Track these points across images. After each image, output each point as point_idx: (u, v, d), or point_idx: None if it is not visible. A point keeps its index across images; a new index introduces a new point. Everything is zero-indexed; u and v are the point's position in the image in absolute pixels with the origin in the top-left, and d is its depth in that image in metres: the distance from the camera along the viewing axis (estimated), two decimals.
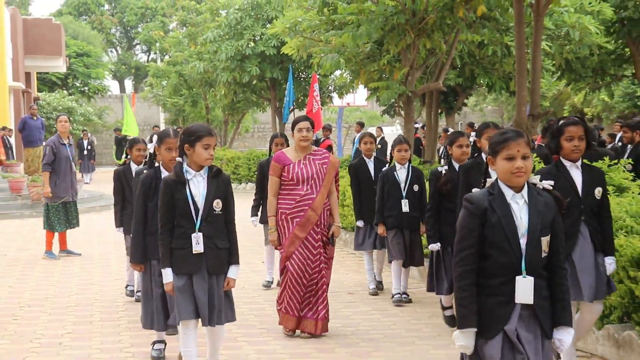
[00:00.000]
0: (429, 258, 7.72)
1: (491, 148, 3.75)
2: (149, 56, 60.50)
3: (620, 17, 17.74)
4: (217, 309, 5.19)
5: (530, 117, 11.24)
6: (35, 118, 22.06)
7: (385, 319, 7.82)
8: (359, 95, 29.30)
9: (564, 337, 3.66)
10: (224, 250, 5.30)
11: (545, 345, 3.67)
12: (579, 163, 5.34)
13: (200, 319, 5.20)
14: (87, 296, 9.01)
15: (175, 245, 5.19)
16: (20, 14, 32.07)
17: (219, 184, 5.29)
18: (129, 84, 58.67)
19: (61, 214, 11.55)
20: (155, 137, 6.25)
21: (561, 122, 5.44)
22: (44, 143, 14.60)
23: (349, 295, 8.98)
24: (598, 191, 5.34)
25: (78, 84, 44.19)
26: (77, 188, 12.37)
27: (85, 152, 30.28)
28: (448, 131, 20.02)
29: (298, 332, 7.01)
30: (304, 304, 6.97)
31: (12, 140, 24.96)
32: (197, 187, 5.22)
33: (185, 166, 5.21)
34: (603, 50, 18.42)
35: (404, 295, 8.40)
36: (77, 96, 41.15)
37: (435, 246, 7.18)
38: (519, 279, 3.57)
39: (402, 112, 18.32)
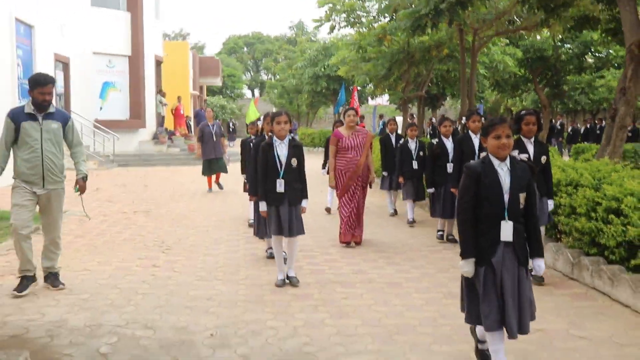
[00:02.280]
0: (429, 197, 11.34)
1: (483, 130, 4.90)
2: (267, 76, 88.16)
3: (526, 57, 27.49)
4: (295, 225, 7.55)
5: (468, 111, 16.09)
6: (204, 110, 27.54)
7: (401, 234, 11.37)
8: (384, 99, 46.66)
9: (540, 264, 4.88)
10: (299, 189, 7.66)
11: (521, 270, 4.75)
12: (532, 139, 7.60)
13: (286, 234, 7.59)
14: (222, 222, 12.59)
15: (267, 187, 7.54)
16: (197, 54, 51.90)
17: (295, 149, 7.61)
18: (256, 92, 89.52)
19: (206, 166, 16.91)
20: (261, 118, 9.38)
21: (522, 112, 7.69)
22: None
23: (378, 218, 13.18)
24: (543, 159, 7.63)
25: (228, 92, 69.79)
26: (221, 151, 16.87)
27: (231, 130, 50.27)
28: (432, 120, 32.94)
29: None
30: (350, 227, 10.07)
31: (191, 122, 39.02)
32: (281, 150, 7.54)
33: (274, 137, 7.59)
34: (517, 75, 28.86)
35: (411, 220, 12.24)
36: (227, 98, 66.09)
37: (431, 190, 10.64)
38: (503, 223, 4.68)
39: (401, 109, 28.04)
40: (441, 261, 9.16)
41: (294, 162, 7.57)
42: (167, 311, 6.71)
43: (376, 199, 15.29)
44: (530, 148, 7.58)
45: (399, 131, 15.19)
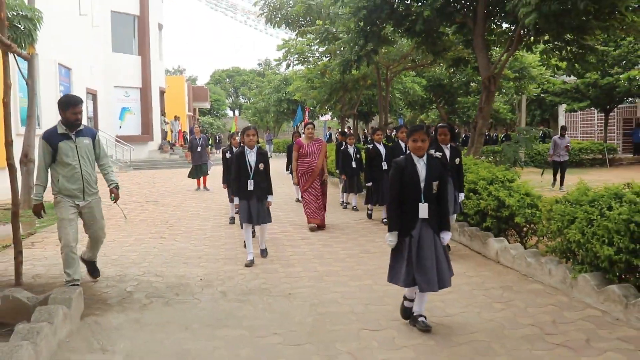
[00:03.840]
0: (365, 189, 11.05)
1: (407, 134, 4.94)
2: (244, 100, 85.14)
3: (429, 84, 26.72)
4: (261, 216, 7.32)
5: (384, 125, 18.71)
6: (193, 127, 27.41)
7: (349, 218, 11.08)
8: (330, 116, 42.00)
9: (446, 235, 4.85)
10: (265, 187, 7.36)
11: (437, 239, 4.78)
12: (448, 146, 7.36)
13: (255, 223, 7.32)
14: (209, 207, 12.90)
15: (239, 186, 7.31)
16: (191, 85, 51.82)
17: (262, 156, 7.38)
18: (236, 112, 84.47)
19: (193, 170, 16.35)
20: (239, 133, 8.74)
21: (438, 125, 7.68)
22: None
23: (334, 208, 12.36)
24: (457, 161, 7.42)
25: (215, 112, 69.40)
26: (206, 158, 16.25)
27: (217, 141, 45.66)
28: (365, 131, 34.42)
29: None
30: (314, 213, 9.72)
31: (187, 136, 33.91)
32: (251, 157, 7.30)
33: (246, 147, 7.38)
34: (423, 98, 28.06)
35: (354, 207, 12.00)
36: (214, 117, 65.06)
37: (369, 184, 10.43)
38: (420, 204, 4.73)
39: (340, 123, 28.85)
40: (363, 230, 9.63)
41: (261, 166, 7.32)
42: (171, 266, 7.16)
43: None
44: (447, 152, 7.36)
45: (333, 139, 15.11)
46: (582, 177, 6.79)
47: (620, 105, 30.80)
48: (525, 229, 7.52)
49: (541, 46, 10.87)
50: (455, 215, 7.63)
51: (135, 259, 7.55)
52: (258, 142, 7.54)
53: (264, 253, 7.58)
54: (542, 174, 16.59)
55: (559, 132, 16.19)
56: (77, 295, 4.93)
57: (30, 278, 6.39)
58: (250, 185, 7.24)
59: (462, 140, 30.34)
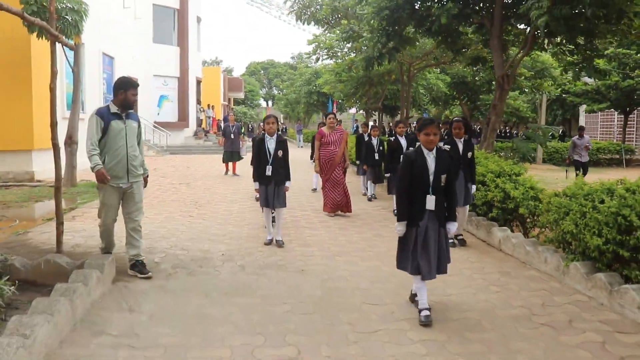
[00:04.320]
0: (385, 179, 10.76)
1: (417, 127, 4.95)
2: (277, 92, 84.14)
3: (453, 81, 26.40)
4: (279, 200, 7.35)
5: (406, 118, 18.83)
6: (228, 115, 27.29)
7: (370, 207, 11.00)
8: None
9: (451, 226, 4.87)
10: (283, 174, 7.37)
11: (441, 230, 4.81)
12: (462, 139, 7.34)
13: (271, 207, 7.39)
14: (237, 191, 13.06)
15: (259, 171, 7.33)
16: (227, 75, 53.92)
17: (281, 143, 7.36)
18: (269, 103, 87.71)
19: (226, 155, 16.44)
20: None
21: (453, 119, 7.62)
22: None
23: (355, 197, 11.98)
24: (469, 154, 7.40)
25: (249, 102, 70.47)
26: (238, 146, 16.27)
27: (250, 129, 45.01)
28: (390, 123, 33.56)
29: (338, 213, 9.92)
30: (337, 203, 9.75)
31: (222, 124, 32.20)
32: (271, 144, 7.32)
33: (265, 133, 7.38)
34: (447, 94, 27.90)
35: (373, 195, 11.90)
36: (248, 107, 66.52)
37: (388, 175, 10.23)
38: (428, 196, 4.73)
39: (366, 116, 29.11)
40: (379, 217, 9.81)
41: (280, 153, 7.32)
42: (197, 241, 7.49)
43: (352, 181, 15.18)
44: (460, 146, 7.34)
45: (360, 130, 15.16)
46: (600, 177, 6.91)
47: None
48: (528, 219, 7.67)
49: (553, 48, 10.93)
50: (467, 206, 7.65)
51: (165, 234, 7.91)
52: (279, 130, 7.49)
53: (280, 243, 7.37)
54: (566, 176, 16.11)
55: (578, 133, 15.62)
56: (109, 262, 5.30)
57: (70, 247, 6.78)
58: (269, 171, 7.25)
59: (478, 133, 30.36)
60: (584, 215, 5.69)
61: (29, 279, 4.99)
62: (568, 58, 10.99)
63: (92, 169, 5.50)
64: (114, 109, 5.67)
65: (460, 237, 7.68)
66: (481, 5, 11.03)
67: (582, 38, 9.57)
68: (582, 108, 33.34)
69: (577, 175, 15.23)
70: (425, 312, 4.66)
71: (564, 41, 10.19)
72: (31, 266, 5.08)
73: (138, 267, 5.81)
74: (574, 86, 28.81)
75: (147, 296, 5.12)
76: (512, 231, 7.60)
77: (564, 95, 30.91)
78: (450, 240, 7.05)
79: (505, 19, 10.85)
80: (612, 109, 29.92)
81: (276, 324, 4.53)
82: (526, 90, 24.02)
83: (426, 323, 4.59)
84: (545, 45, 10.75)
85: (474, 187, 7.57)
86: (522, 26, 10.88)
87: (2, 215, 8.80)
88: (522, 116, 32.82)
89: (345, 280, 5.83)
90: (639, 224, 4.99)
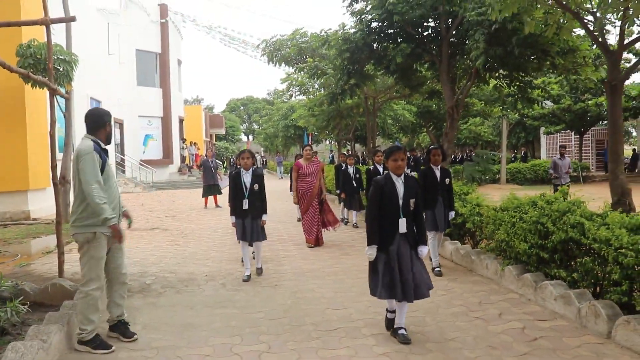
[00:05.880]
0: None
1: (385, 154, 4.87)
2: (256, 126, 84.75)
3: (419, 111, 27.06)
4: (256, 234, 7.17)
5: (372, 148, 18.41)
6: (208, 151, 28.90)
7: (348, 235, 11.16)
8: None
9: (423, 249, 4.73)
10: (259, 207, 7.21)
11: (412, 253, 4.70)
12: (439, 167, 7.26)
13: (249, 240, 7.19)
14: (219, 222, 13.37)
15: (237, 205, 7.16)
16: (208, 113, 52.81)
17: (257, 177, 7.24)
18: (250, 137, 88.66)
19: (205, 189, 16.84)
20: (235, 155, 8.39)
21: (430, 146, 7.41)
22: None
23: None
24: (447, 181, 7.31)
25: (230, 137, 70.53)
26: (218, 179, 16.87)
27: (232, 163, 44.75)
28: (363, 152, 36.04)
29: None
30: (312, 231, 9.61)
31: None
32: (247, 177, 7.20)
33: (241, 168, 7.26)
34: (414, 123, 29.06)
35: (355, 224, 11.92)
36: (229, 142, 67.19)
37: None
38: (400, 220, 4.66)
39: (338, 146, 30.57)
40: (349, 239, 10.54)
41: (256, 186, 7.17)
42: (183, 265, 8.11)
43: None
44: (437, 173, 7.25)
45: (335, 160, 15.57)
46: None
47: (593, 128, 31.69)
48: (477, 233, 8.41)
49: (493, 81, 11.89)
50: (445, 230, 7.56)
51: (154, 261, 8.52)
52: (254, 165, 7.41)
53: (259, 271, 7.38)
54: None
55: (559, 153, 13.74)
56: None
57: (70, 275, 7.35)
58: (245, 205, 7.12)
59: (452, 160, 31.39)
60: (514, 225, 6.46)
61: (38, 301, 5.57)
62: (505, 90, 11.95)
63: (105, 220, 4.47)
64: (97, 144, 4.64)
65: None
66: (432, 45, 11.95)
67: (515, 73, 10.52)
68: (542, 130, 34.65)
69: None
70: (402, 331, 4.74)
71: (501, 75, 11.14)
72: (39, 290, 5.68)
73: (121, 328, 4.87)
74: (531, 111, 30.09)
75: (141, 311, 5.74)
76: (464, 244, 8.33)
77: (524, 119, 32.16)
78: (437, 269, 7.28)
79: (452, 56, 11.79)
80: (568, 130, 31.23)
81: (251, 327, 5.18)
82: (484, 118, 25.08)
83: (405, 341, 4.63)
84: (487, 79, 11.65)
85: (452, 213, 7.46)
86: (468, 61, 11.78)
87: (6, 251, 9.33)
88: (486, 140, 33.99)
89: (312, 292, 6.50)
90: (554, 229, 5.76)
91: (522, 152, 35.60)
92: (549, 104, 27.77)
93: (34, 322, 4.99)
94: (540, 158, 36.28)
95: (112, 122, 4.84)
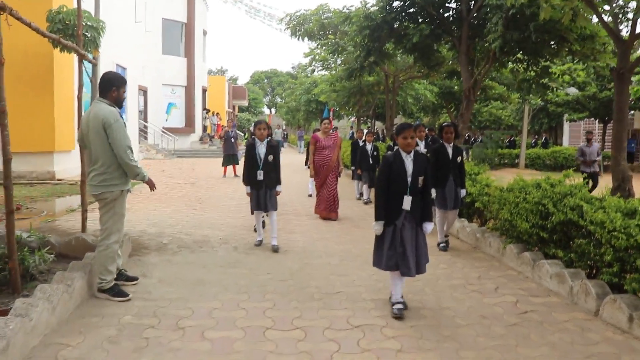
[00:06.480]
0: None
1: (396, 131, 4.87)
2: (279, 99, 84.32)
3: (441, 91, 27.28)
4: (270, 203, 7.15)
5: (390, 126, 18.99)
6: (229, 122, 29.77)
7: (362, 209, 11.31)
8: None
9: (427, 226, 4.81)
10: (274, 177, 7.17)
11: (418, 230, 4.79)
12: (451, 144, 7.29)
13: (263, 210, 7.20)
14: (236, 190, 13.43)
15: (250, 176, 7.14)
16: (231, 84, 55.34)
17: (271, 148, 7.18)
18: (272, 110, 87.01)
19: (226, 158, 17.34)
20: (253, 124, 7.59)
21: (443, 124, 7.43)
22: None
23: (349, 200, 12.45)
24: (459, 159, 7.39)
25: (252, 110, 71.34)
26: (237, 149, 17.38)
27: (247, 135, 41.79)
28: (383, 130, 32.05)
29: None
30: (328, 206, 9.67)
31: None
32: (261, 149, 7.14)
33: (256, 139, 7.18)
34: (435, 103, 28.82)
35: (368, 199, 11.85)
36: (252, 114, 68.03)
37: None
38: (405, 197, 4.71)
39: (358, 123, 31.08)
40: (362, 213, 10.78)
41: (270, 157, 7.14)
42: (198, 228, 8.48)
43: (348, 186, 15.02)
44: (450, 151, 7.28)
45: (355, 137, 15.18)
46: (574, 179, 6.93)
47: None
48: (485, 212, 8.62)
49: (511, 65, 11.96)
50: (457, 209, 7.57)
51: (171, 223, 8.91)
52: (269, 136, 7.41)
53: (275, 248, 7.20)
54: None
55: (585, 139, 12.61)
56: (126, 239, 6.29)
57: (92, 231, 7.76)
58: (260, 175, 7.12)
59: (466, 140, 31.38)
60: (517, 205, 6.67)
61: (62, 252, 5.97)
62: (521, 75, 12.02)
63: (142, 177, 4.96)
64: (115, 107, 4.94)
65: (446, 240, 7.60)
66: (452, 26, 12.04)
67: (531, 58, 10.59)
68: (565, 117, 34.33)
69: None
70: (398, 305, 4.78)
71: (518, 60, 11.21)
72: (63, 242, 6.07)
73: (124, 275, 5.41)
74: (556, 96, 29.82)
75: (157, 266, 6.12)
76: (472, 222, 8.55)
77: (547, 105, 31.90)
78: (442, 244, 7.49)
79: (471, 39, 11.88)
80: (592, 118, 30.91)
81: (258, 286, 5.52)
82: (502, 102, 24.94)
83: (398, 315, 4.69)
84: (505, 62, 11.73)
85: (463, 191, 7.51)
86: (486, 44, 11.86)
87: (33, 207, 9.80)
88: (507, 124, 33.82)
89: (319, 258, 6.81)
90: (554, 211, 5.97)
91: (543, 137, 35.34)
92: (573, 90, 27.48)
93: (58, 270, 5.38)
94: (562, 145, 36.00)
95: (124, 89, 5.03)
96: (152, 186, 5.17)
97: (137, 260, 6.35)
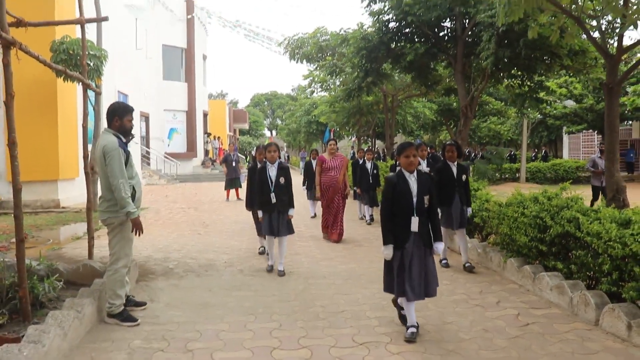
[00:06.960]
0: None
1: (397, 151, 4.81)
2: (279, 121, 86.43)
3: (440, 108, 27.94)
4: (283, 228, 7.02)
5: (390, 145, 19.65)
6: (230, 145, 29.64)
7: (365, 229, 11.32)
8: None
9: (439, 245, 4.70)
10: (286, 201, 7.05)
11: (427, 251, 4.68)
12: (455, 163, 7.32)
13: (274, 235, 7.03)
14: (240, 213, 13.23)
15: (263, 199, 7.03)
16: (232, 107, 55.38)
17: (282, 170, 7.09)
18: (273, 132, 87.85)
19: (228, 182, 17.25)
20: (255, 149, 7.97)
21: (445, 142, 7.49)
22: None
23: (352, 221, 12.35)
24: (463, 177, 7.41)
25: (253, 132, 71.93)
26: (238, 172, 17.27)
27: (249, 158, 44.54)
28: (384, 149, 31.29)
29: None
30: (331, 230, 9.66)
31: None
32: (272, 171, 7.06)
33: (267, 162, 7.12)
34: (434, 121, 29.54)
35: (372, 218, 11.81)
36: (253, 137, 69.30)
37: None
38: (412, 218, 4.60)
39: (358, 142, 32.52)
40: (365, 233, 10.94)
41: (282, 180, 7.04)
42: (203, 252, 8.57)
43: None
44: (454, 169, 7.28)
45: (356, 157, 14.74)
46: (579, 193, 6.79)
47: None
48: (485, 227, 8.72)
49: (506, 81, 12.17)
50: (464, 228, 7.47)
51: (177, 248, 9.01)
52: (280, 158, 7.33)
53: (281, 273, 7.07)
54: (591, 203, 12.64)
55: (599, 150, 12.37)
56: (133, 265, 6.40)
57: (98, 258, 7.87)
58: (273, 199, 6.98)
59: (466, 156, 31.49)
60: (516, 220, 6.79)
61: (70, 280, 6.08)
62: (516, 90, 12.23)
63: (128, 214, 4.96)
64: (119, 138, 5.01)
65: (468, 264, 7.33)
66: (448, 45, 12.27)
67: (524, 73, 10.80)
68: (564, 129, 34.54)
69: (592, 204, 12.21)
70: (412, 329, 4.68)
71: (512, 76, 11.42)
72: (71, 269, 6.18)
73: (132, 301, 5.49)
74: (553, 110, 30.03)
75: (163, 291, 6.22)
76: (473, 237, 8.63)
77: (546, 118, 32.12)
78: (444, 261, 7.51)
79: (467, 57, 12.09)
80: (591, 130, 31.10)
81: (264, 308, 5.62)
82: (499, 117, 25.20)
83: (410, 339, 4.59)
84: (499, 79, 11.93)
85: (469, 209, 7.49)
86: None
87: (38, 236, 9.93)
88: (506, 139, 34.00)
89: (323, 278, 6.91)
90: (552, 223, 6.08)
91: (543, 151, 35.51)
92: (570, 103, 27.71)
93: (67, 298, 5.49)
94: (562, 157, 36.14)
95: (129, 117, 5.09)
96: (138, 228, 5.05)
97: (145, 285, 6.46)
